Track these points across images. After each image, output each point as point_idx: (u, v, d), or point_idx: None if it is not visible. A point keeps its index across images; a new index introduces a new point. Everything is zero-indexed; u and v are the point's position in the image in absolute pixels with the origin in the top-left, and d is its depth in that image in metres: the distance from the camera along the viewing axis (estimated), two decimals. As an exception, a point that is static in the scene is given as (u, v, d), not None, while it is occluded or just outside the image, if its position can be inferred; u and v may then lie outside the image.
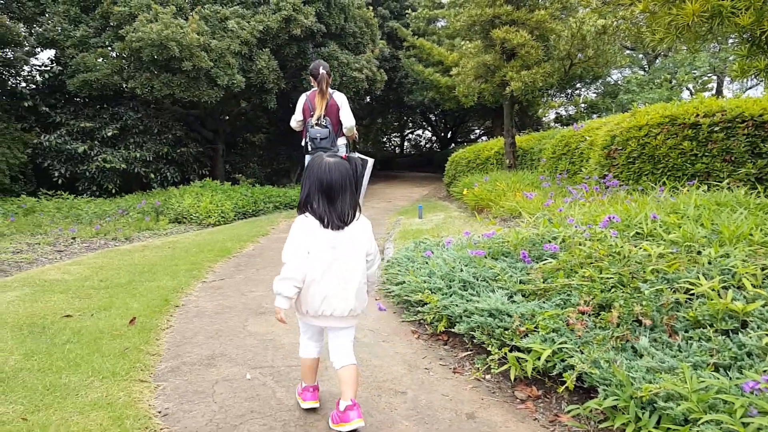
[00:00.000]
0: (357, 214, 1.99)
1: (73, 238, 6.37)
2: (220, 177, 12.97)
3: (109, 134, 11.17)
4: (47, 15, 11.31)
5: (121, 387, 2.23)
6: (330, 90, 5.00)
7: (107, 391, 2.19)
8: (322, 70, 4.86)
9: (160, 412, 2.06)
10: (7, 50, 10.75)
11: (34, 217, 7.77)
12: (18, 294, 3.63)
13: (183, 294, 3.77)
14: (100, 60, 10.81)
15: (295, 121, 5.18)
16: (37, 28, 11.37)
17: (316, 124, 4.96)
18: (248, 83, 11.48)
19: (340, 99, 5.06)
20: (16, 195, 9.93)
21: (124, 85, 11.13)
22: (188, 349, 2.72)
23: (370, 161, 5.32)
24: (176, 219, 8.18)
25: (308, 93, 5.09)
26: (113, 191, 11.17)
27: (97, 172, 10.95)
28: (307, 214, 1.96)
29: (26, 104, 10.90)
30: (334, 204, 1.94)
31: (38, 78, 12.09)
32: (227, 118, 14.55)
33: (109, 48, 11.04)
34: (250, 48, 11.23)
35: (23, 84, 11.70)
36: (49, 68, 12.11)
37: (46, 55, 43.22)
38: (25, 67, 11.67)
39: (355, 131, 5.26)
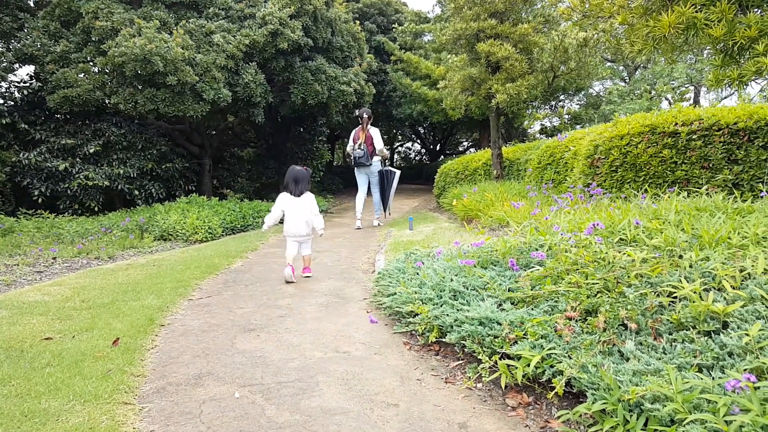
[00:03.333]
0: (306, 191, 4.74)
1: (54, 258, 6.22)
2: (207, 192, 12.87)
3: (92, 151, 10.99)
4: (26, 30, 11.09)
5: (103, 410, 2.17)
6: (369, 127, 8.12)
7: (89, 415, 2.13)
8: (365, 115, 8.12)
9: (145, 435, 2.02)
10: (-17, 67, 10.49)
11: (12, 237, 7.53)
12: (-5, 317, 3.51)
13: (168, 313, 3.71)
14: (82, 75, 10.63)
15: (350, 146, 8.31)
16: (15, 43, 11.13)
17: (358, 148, 8.10)
18: (235, 97, 11.45)
19: (374, 132, 8.13)
20: (-7, 215, 9.58)
21: (107, 101, 10.97)
22: (174, 369, 2.67)
23: (398, 172, 8.74)
24: (162, 236, 8.08)
25: (356, 128, 8.24)
26: (96, 209, 10.98)
27: (79, 190, 10.77)
28: (285, 192, 4.73)
29: (4, 121, 10.63)
30: (298, 185, 4.71)
31: (17, 94, 11.83)
32: (214, 132, 14.46)
33: (91, 63, 10.87)
34: (236, 62, 11.21)
35: (0, 101, 11.44)
36: (28, 84, 11.89)
37: (24, 71, 42.59)
38: (3, 84, 11.39)
39: (386, 152, 8.30)
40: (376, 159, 8.20)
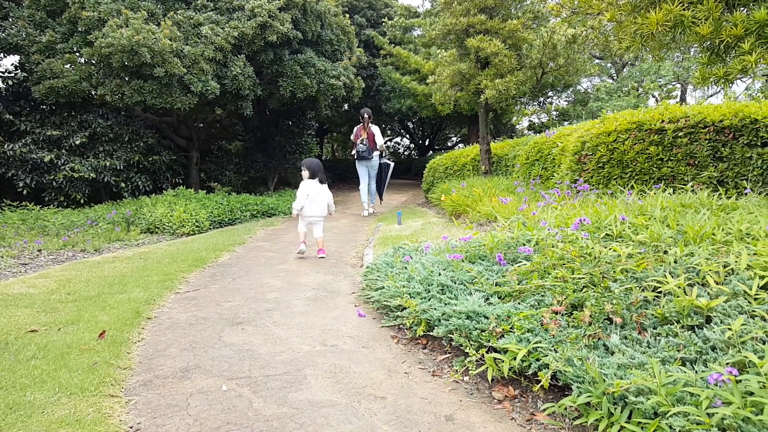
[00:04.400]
0: (324, 181, 5.60)
1: (39, 251, 6.15)
2: (194, 185, 12.75)
3: (78, 142, 10.83)
4: (11, 19, 10.88)
5: (90, 403, 2.16)
6: (370, 124, 9.04)
7: (75, 407, 2.11)
8: (366, 115, 9.01)
9: (131, 428, 2.01)
10: (-33, 56, 10.31)
11: (-3, 229, 7.43)
12: (-21, 309, 3.47)
13: (155, 306, 3.69)
14: (68, 66, 10.46)
15: (352, 142, 9.25)
16: (0, 32, 11.01)
17: (361, 143, 9.00)
18: (223, 90, 11.34)
19: (375, 129, 9.14)
20: (-23, 207, 9.44)
21: (93, 92, 10.81)
22: (161, 362, 2.66)
23: (392, 164, 9.83)
24: (148, 229, 8.01)
25: (358, 126, 9.16)
26: (82, 201, 10.84)
27: (64, 182, 10.62)
28: (310, 180, 5.52)
29: (-13, 112, 10.44)
30: (324, 175, 5.60)
31: (1, 85, 11.62)
32: (201, 125, 14.31)
33: (77, 54, 10.69)
34: (224, 54, 11.10)
35: (-16, 91, 11.23)
36: (12, 74, 11.67)
37: (9, 61, 41.82)
38: (-14, 74, 11.18)
39: (384, 147, 9.43)
40: (376, 153, 9.19)
